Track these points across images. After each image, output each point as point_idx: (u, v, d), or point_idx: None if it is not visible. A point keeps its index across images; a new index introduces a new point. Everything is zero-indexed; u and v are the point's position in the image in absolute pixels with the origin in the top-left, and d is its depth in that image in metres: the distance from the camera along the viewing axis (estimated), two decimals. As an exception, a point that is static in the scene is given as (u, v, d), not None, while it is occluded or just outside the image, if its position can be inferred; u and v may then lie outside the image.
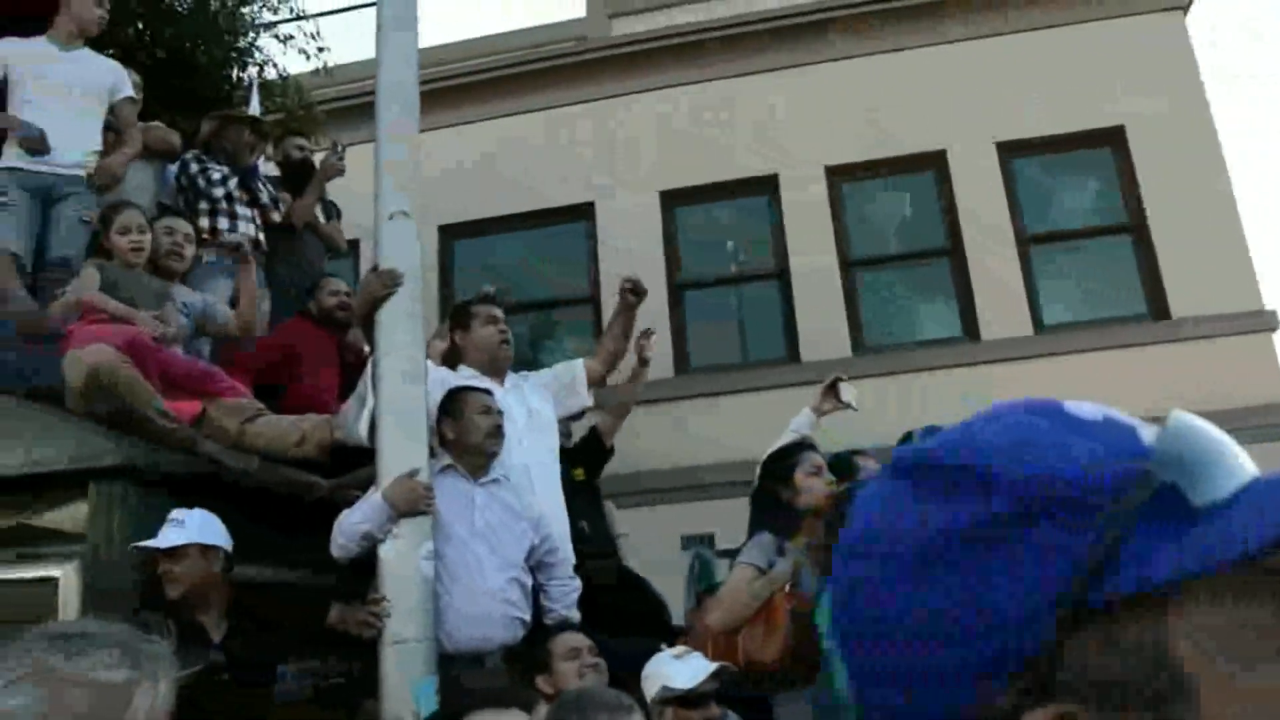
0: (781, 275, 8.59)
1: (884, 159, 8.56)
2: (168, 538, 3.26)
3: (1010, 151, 8.38)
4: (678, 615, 4.81)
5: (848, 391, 4.69)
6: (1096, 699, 0.51)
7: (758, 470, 4.16)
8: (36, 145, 4.60)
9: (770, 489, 4.03)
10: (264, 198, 5.46)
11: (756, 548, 3.82)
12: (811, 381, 7.16)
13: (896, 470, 0.62)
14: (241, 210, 5.30)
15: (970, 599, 0.53)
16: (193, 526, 3.30)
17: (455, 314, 4.37)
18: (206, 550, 3.30)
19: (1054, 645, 0.51)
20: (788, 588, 3.66)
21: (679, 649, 3.29)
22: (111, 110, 4.97)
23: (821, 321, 8.27)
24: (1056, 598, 0.51)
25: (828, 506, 3.80)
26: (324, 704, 3.76)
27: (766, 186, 8.74)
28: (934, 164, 8.51)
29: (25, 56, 4.86)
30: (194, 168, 5.28)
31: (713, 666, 3.07)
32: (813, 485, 3.92)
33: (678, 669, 3.05)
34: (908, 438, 3.77)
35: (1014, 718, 0.52)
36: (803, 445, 4.17)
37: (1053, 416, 0.57)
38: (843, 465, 4.17)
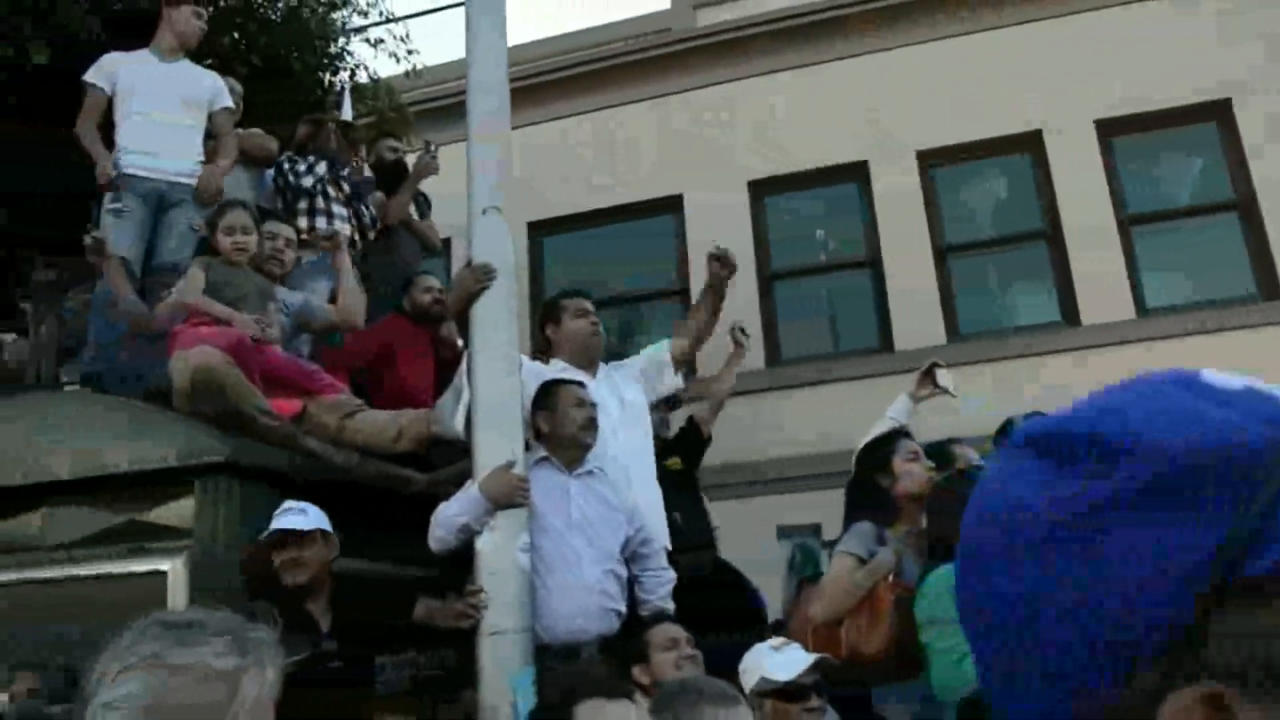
0: (873, 264, 8.47)
1: (978, 141, 8.37)
2: (296, 523, 3.33)
3: (1109, 130, 8.12)
4: (773, 609, 4.78)
5: (945, 377, 4.61)
6: (1246, 679, 0.47)
7: (854, 459, 4.10)
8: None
9: (868, 477, 3.98)
10: (366, 218, 5.57)
11: (856, 537, 3.78)
12: (905, 370, 7.05)
13: (1025, 443, 0.59)
14: (337, 209, 5.41)
15: (1107, 576, 0.50)
16: (314, 515, 3.38)
17: (546, 308, 4.40)
18: (327, 537, 3.38)
19: (1198, 623, 0.48)
20: (890, 577, 3.61)
21: (777, 640, 3.26)
22: (210, 120, 5.12)
23: (915, 309, 8.13)
24: (1200, 574, 0.48)
25: (928, 493, 3.75)
26: (423, 695, 3.82)
27: (857, 174, 8.62)
28: (1030, 145, 8.30)
29: (131, 69, 5.04)
30: (285, 165, 5.41)
31: (812, 658, 3.03)
32: (911, 471, 3.86)
33: (777, 661, 3.02)
34: (1008, 425, 3.71)
35: (1156, 699, 0.49)
36: (899, 433, 4.12)
37: (1192, 386, 0.54)
38: (940, 454, 4.10)
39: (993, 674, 0.57)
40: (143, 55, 5.12)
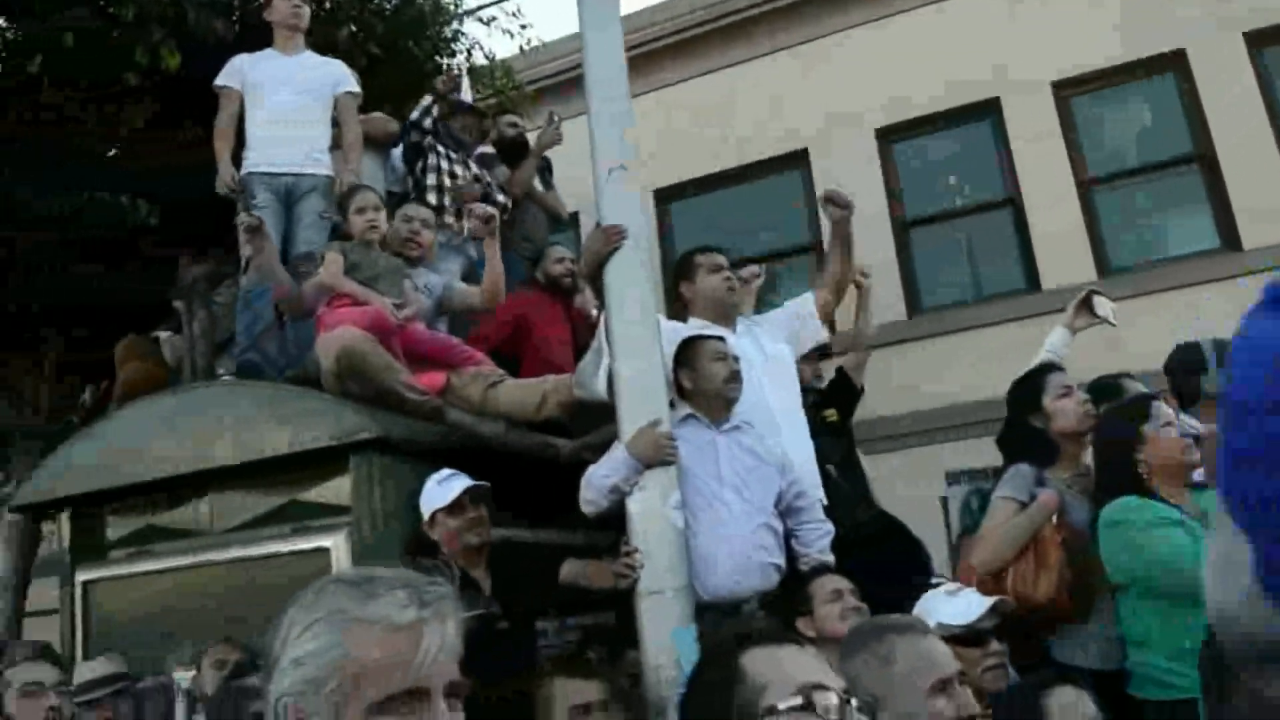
0: (1012, 202, 8.16)
1: (1117, 66, 7.95)
2: (463, 483, 3.43)
3: (1258, 43, 7.61)
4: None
5: (1104, 305, 4.36)
6: None
7: (1006, 399, 3.92)
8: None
9: (1020, 418, 3.79)
10: (494, 196, 5.59)
11: (1014, 480, 3.60)
12: (1054, 310, 6.79)
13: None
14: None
15: None
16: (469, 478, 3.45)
17: (679, 265, 4.33)
18: (487, 501, 3.45)
19: None
20: (1055, 519, 3.44)
21: (952, 585, 3.14)
22: (336, 105, 5.21)
23: (1060, 246, 7.80)
24: None
25: (1090, 429, 3.56)
26: (585, 657, 3.82)
27: (989, 110, 8.29)
28: (1174, 65, 7.84)
29: (256, 66, 5.19)
30: (430, 159, 5.45)
31: (990, 601, 2.90)
32: (1064, 408, 3.66)
33: (952, 606, 2.90)
34: (1186, 350, 3.49)
35: None
36: (1047, 367, 3.90)
37: None
38: (1109, 390, 3.88)
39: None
40: (267, 53, 5.26)
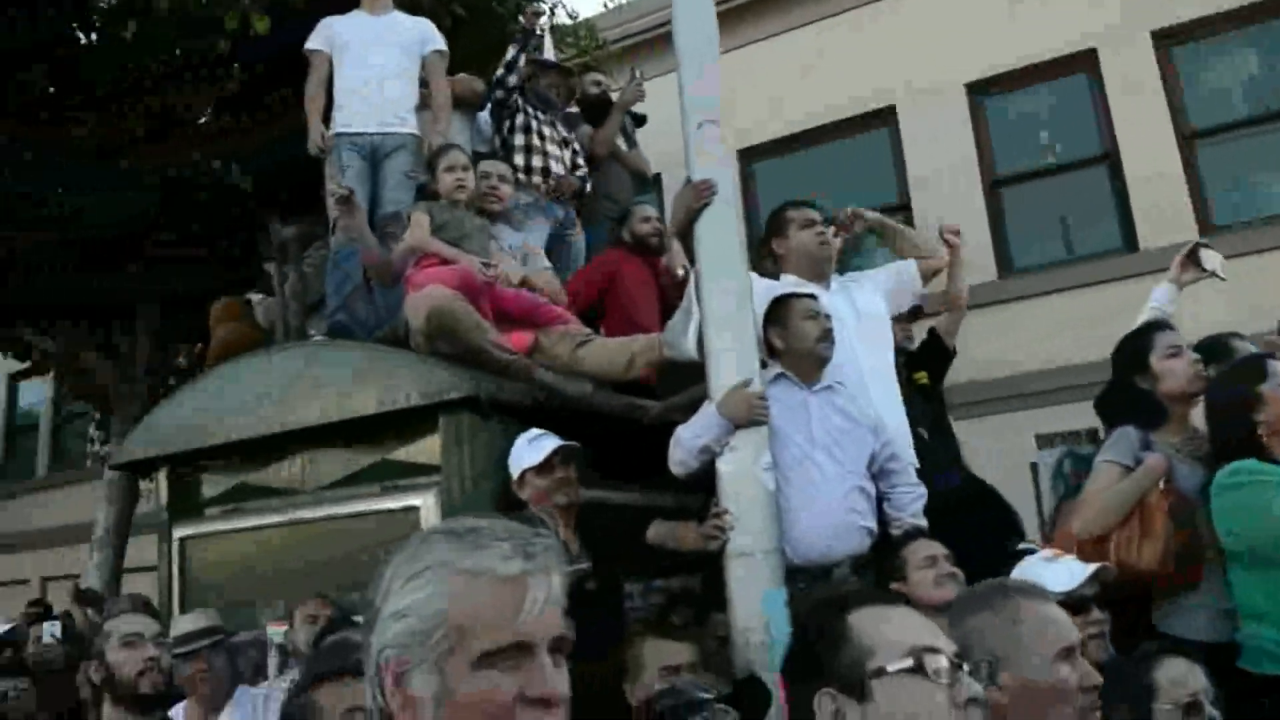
0: (1109, 158, 7.88)
1: (1219, 14, 7.60)
2: (554, 443, 3.44)
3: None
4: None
5: (1212, 259, 4.12)
6: None
7: (1111, 359, 3.77)
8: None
9: (1126, 379, 3.64)
10: (581, 156, 5.55)
11: (1119, 443, 3.46)
12: (1154, 270, 6.56)
13: None
14: (553, 150, 5.42)
15: None
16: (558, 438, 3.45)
17: (771, 221, 4.25)
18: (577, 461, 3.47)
19: None
20: (1161, 484, 3.31)
21: (1049, 552, 3.05)
22: (424, 65, 5.21)
23: (1160, 203, 7.52)
24: None
25: (1200, 390, 3.42)
26: (673, 619, 3.81)
27: (1085, 63, 8.01)
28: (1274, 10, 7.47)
29: (344, 27, 5.23)
30: (518, 119, 5.43)
31: (1092, 567, 2.81)
32: (1173, 368, 3.49)
33: (1052, 572, 2.81)
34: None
35: None
36: (1156, 325, 3.72)
37: None
38: (1217, 349, 3.71)
39: None
40: (355, 14, 5.29)
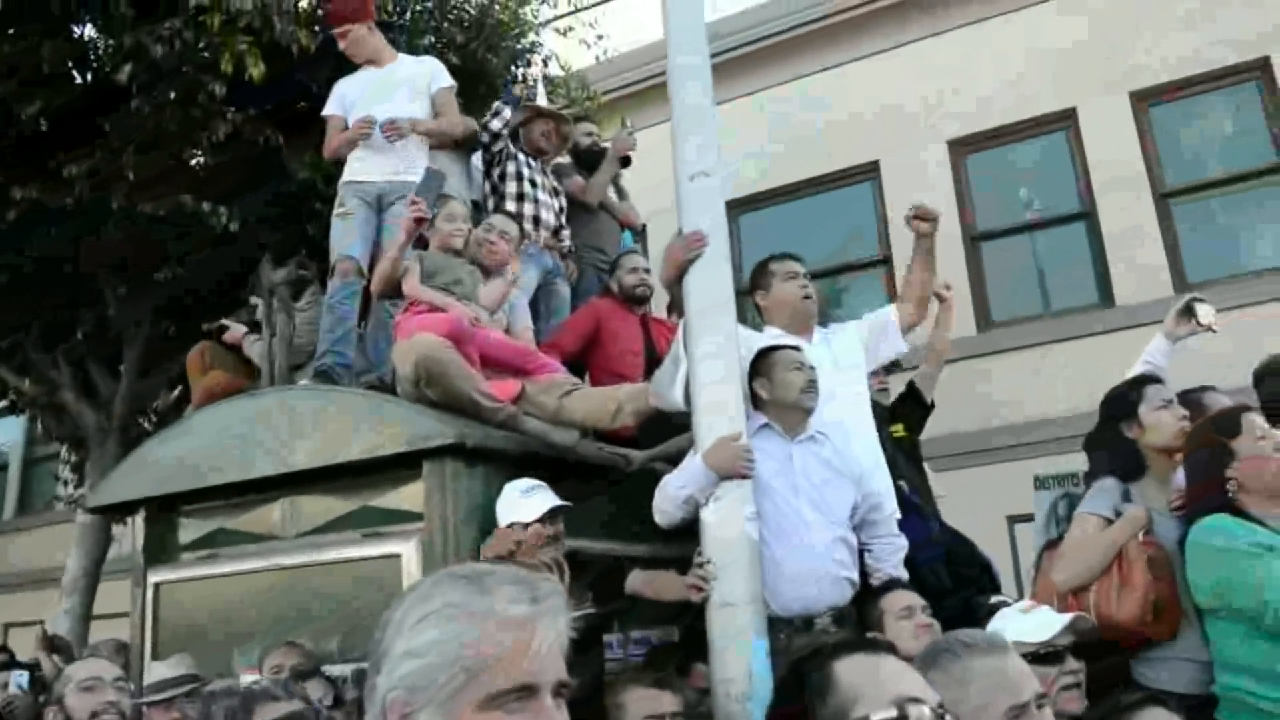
0: (1087, 215, 8.02)
1: (1197, 75, 7.79)
2: (548, 500, 3.41)
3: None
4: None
5: (1207, 313, 4.20)
6: None
7: (1100, 406, 3.81)
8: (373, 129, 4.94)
9: (1112, 428, 3.69)
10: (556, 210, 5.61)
11: (1099, 495, 3.51)
12: (1130, 326, 6.67)
13: None
14: (544, 198, 5.48)
15: None
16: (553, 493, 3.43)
17: (755, 273, 4.31)
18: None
19: None
20: (1141, 536, 3.35)
21: (1026, 603, 3.08)
22: (433, 103, 5.27)
23: (1136, 260, 7.65)
24: None
25: (1181, 445, 3.46)
26: (655, 669, 3.79)
27: (1064, 120, 8.17)
28: (1257, 72, 7.66)
29: (354, 83, 5.30)
30: (509, 166, 5.48)
31: (1067, 618, 2.84)
32: (1163, 421, 3.55)
33: (1027, 623, 2.84)
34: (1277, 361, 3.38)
35: None
36: (1147, 379, 3.79)
37: None
38: (1190, 404, 3.78)
39: None
40: (363, 71, 5.34)
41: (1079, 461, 4.00)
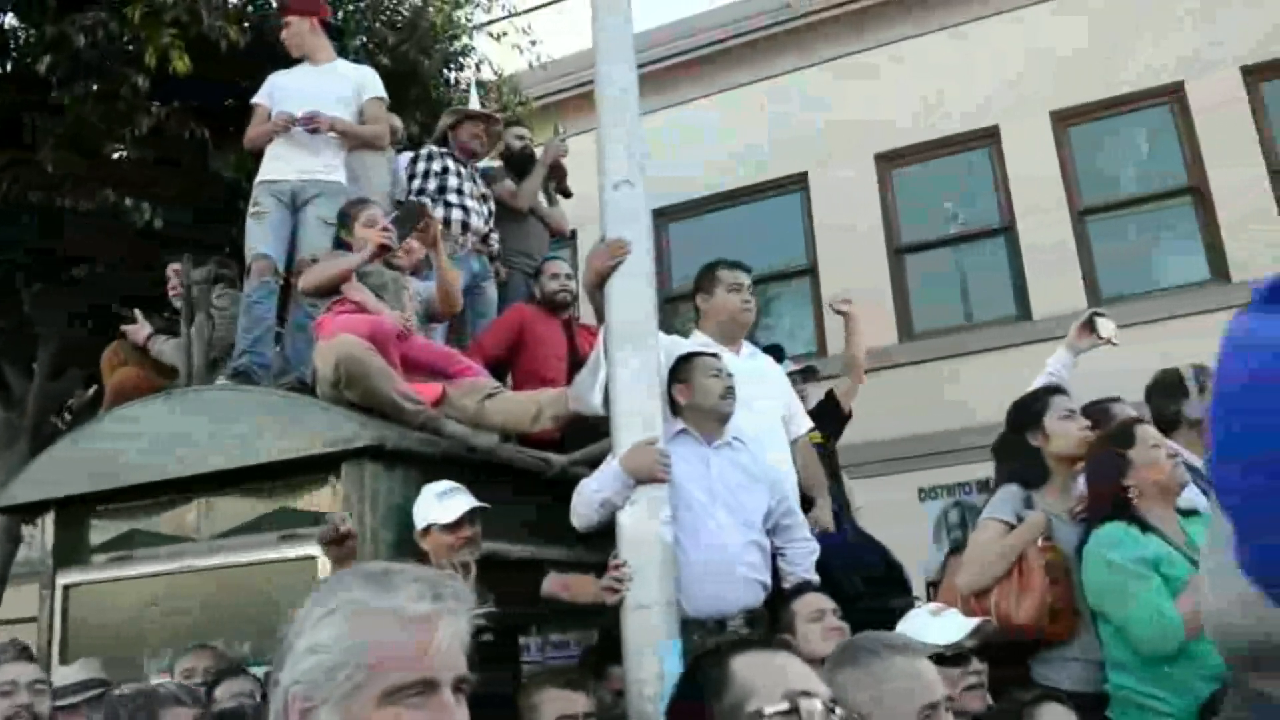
0: (1007, 230, 8.23)
1: (1116, 97, 8.04)
2: (466, 503, 3.39)
3: (1257, 74, 7.70)
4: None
5: (1107, 326, 4.37)
6: None
7: (1006, 415, 3.92)
8: (294, 124, 4.91)
9: (1017, 437, 3.80)
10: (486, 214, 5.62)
11: (1002, 501, 3.63)
12: (1045, 339, 6.83)
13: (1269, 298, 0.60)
14: (472, 204, 5.48)
15: None
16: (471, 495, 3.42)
17: (701, 275, 4.35)
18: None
19: None
20: (1040, 540, 3.46)
21: (935, 606, 3.17)
22: (362, 113, 5.23)
23: (1053, 275, 7.86)
24: None
25: (1083, 454, 3.58)
26: (569, 671, 3.82)
27: (987, 138, 8.38)
28: (1171, 96, 7.93)
29: (283, 81, 5.24)
30: (435, 165, 5.49)
31: (974, 622, 2.93)
32: (1066, 430, 3.67)
33: (936, 626, 2.93)
34: (1167, 376, 3.52)
35: None
36: (1052, 389, 3.91)
37: None
38: (1098, 414, 3.91)
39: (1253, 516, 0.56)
40: (299, 68, 5.29)
41: (971, 472, 4.13)
